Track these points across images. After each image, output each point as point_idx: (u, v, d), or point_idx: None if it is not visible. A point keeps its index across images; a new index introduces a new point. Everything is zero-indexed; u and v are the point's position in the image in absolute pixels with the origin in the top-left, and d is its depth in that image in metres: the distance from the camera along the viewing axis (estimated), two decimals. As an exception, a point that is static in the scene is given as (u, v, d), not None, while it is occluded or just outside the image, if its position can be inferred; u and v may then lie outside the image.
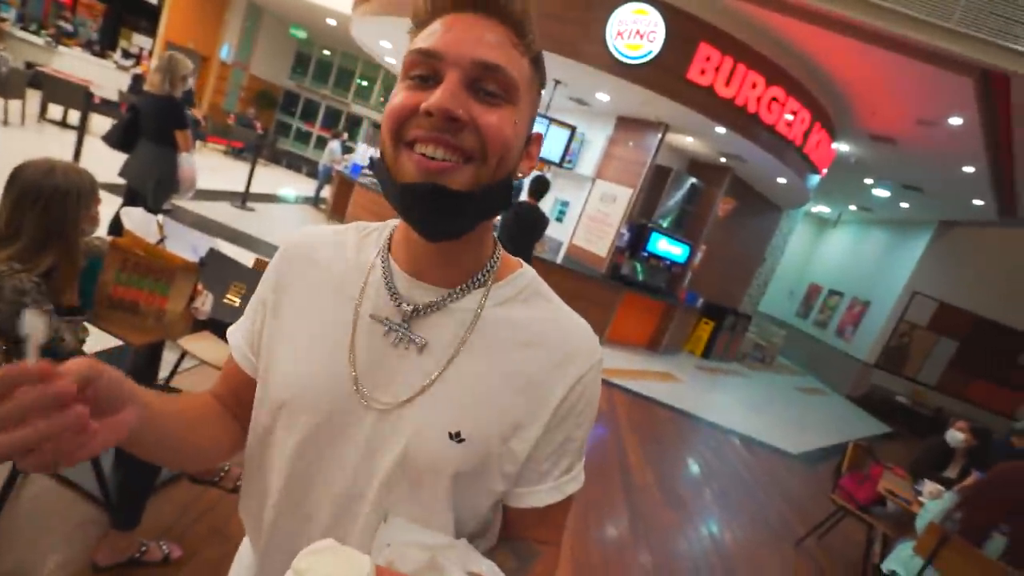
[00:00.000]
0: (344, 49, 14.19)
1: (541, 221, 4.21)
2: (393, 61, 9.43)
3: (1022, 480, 2.34)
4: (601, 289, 6.31)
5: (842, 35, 4.60)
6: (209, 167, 8.79)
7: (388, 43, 7.91)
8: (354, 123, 15.08)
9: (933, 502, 2.61)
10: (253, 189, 7.31)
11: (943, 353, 9.69)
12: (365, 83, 14.97)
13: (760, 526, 3.62)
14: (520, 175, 0.55)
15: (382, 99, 15.56)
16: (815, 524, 3.52)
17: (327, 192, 9.35)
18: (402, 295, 0.56)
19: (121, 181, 3.32)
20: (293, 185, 10.99)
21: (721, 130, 5.57)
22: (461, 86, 0.47)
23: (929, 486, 3.05)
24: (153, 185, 3.19)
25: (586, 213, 6.94)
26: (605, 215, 6.65)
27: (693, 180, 7.16)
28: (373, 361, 0.55)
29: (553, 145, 6.10)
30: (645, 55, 4.94)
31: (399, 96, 0.49)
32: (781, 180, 6.97)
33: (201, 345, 2.19)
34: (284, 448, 0.57)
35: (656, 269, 7.13)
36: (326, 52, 14.75)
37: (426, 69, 0.48)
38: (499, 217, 6.00)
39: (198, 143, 10.00)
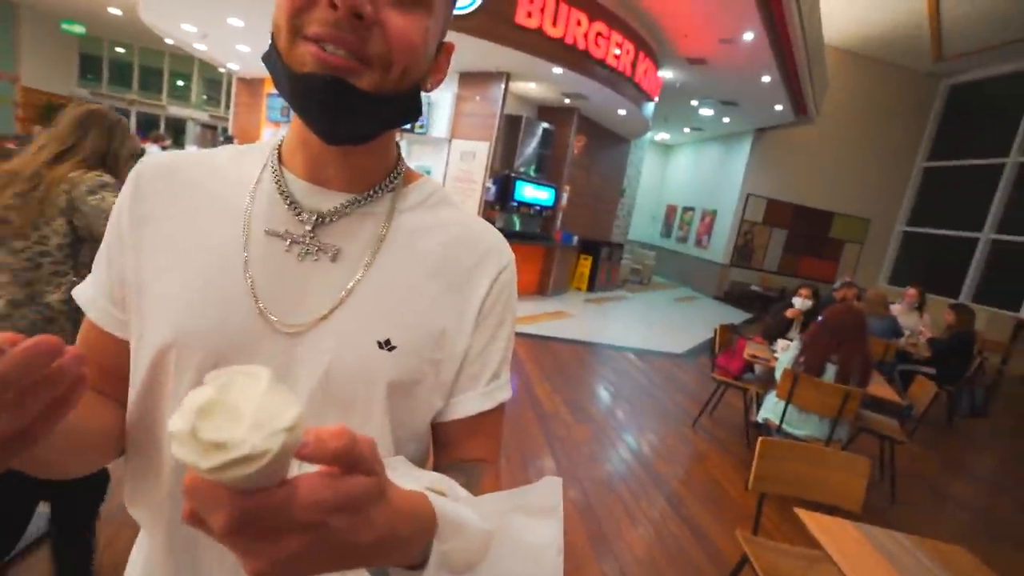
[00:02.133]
0: (143, 44, 12.32)
1: None
2: (204, 47, 8.39)
3: (843, 318, 2.87)
4: (481, 246, 6.37)
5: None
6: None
7: (191, 26, 7.00)
8: (178, 128, 13.31)
9: (784, 354, 3.10)
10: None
11: (777, 242, 11.33)
12: (181, 82, 13.21)
13: (662, 419, 4.05)
14: (428, 87, 0.51)
15: (204, 96, 13.90)
16: (704, 403, 4.02)
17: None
18: (302, 204, 0.51)
19: None
20: (116, 207, 9.51)
21: (558, 70, 5.79)
22: None
23: (781, 343, 3.61)
24: None
25: (449, 175, 6.91)
26: (468, 173, 6.68)
27: (544, 124, 7.41)
28: (276, 280, 0.49)
29: (401, 111, 5.91)
30: (470, 3, 4.91)
31: None
32: (621, 112, 7.48)
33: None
34: (175, 400, 0.48)
35: (528, 216, 7.37)
36: (119, 49, 12.71)
37: None
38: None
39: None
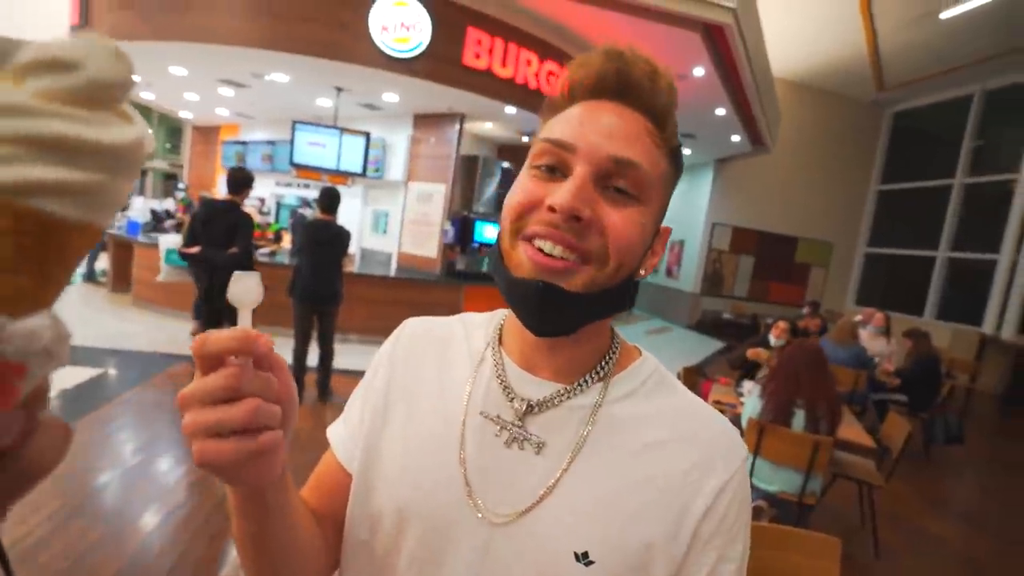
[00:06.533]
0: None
1: (341, 237, 3.82)
2: (152, 96, 8.18)
3: (798, 359, 2.68)
4: (440, 290, 6.17)
5: (582, 3, 4.97)
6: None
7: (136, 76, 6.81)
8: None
9: (749, 399, 2.91)
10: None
11: (745, 268, 11.38)
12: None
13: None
14: (643, 272, 0.51)
15: (168, 145, 13.64)
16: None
17: (105, 262, 7.84)
18: (515, 390, 0.52)
19: None
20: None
21: (511, 110, 5.74)
22: (590, 182, 0.45)
23: (747, 385, 3.43)
24: None
25: (407, 218, 6.74)
26: (425, 215, 6.51)
27: (504, 164, 7.33)
28: (485, 463, 0.50)
29: (351, 156, 5.76)
30: (415, 47, 4.84)
31: (524, 187, 0.48)
32: (580, 149, 7.46)
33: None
34: (398, 559, 0.51)
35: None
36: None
37: (555, 159, 0.47)
38: (294, 241, 5.46)
39: None
